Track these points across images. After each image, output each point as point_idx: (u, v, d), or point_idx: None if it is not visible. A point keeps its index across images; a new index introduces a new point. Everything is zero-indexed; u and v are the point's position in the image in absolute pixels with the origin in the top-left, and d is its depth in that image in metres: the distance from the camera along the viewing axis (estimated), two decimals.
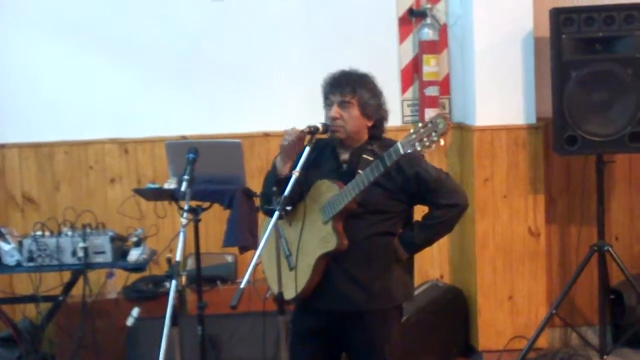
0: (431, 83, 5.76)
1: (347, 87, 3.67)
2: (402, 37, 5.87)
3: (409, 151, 3.36)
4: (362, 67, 5.70)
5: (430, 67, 5.76)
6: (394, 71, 5.87)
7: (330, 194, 3.62)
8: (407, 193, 3.67)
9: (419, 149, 3.34)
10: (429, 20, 5.77)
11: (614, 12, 5.09)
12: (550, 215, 5.71)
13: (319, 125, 3.62)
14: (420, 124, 3.37)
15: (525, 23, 5.44)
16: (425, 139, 3.32)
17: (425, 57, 5.75)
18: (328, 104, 3.71)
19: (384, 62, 5.82)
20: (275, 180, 3.64)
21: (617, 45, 5.13)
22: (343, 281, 3.68)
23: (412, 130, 3.38)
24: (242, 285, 3.25)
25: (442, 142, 3.34)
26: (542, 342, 5.47)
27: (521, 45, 5.44)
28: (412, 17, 5.84)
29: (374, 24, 5.83)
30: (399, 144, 3.39)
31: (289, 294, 3.63)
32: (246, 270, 3.29)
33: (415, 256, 5.85)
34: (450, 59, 5.88)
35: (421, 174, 3.66)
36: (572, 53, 5.13)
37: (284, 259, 3.58)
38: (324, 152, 3.76)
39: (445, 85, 5.88)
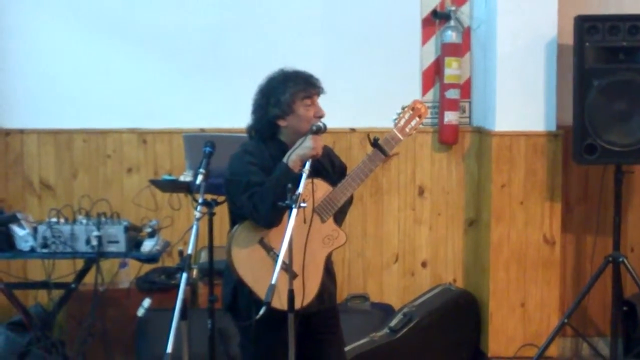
0: (452, 86, 5.74)
1: (321, 86, 3.72)
2: (425, 39, 5.85)
3: (402, 138, 3.68)
4: (384, 67, 5.82)
5: (452, 69, 5.74)
6: (416, 72, 5.86)
7: (323, 191, 3.62)
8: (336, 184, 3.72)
9: (411, 134, 3.72)
10: (452, 23, 5.75)
11: (639, 22, 5.06)
12: (566, 223, 5.67)
13: (321, 125, 3.61)
14: (401, 112, 3.69)
15: (549, 30, 5.41)
16: (412, 124, 3.70)
17: (447, 59, 5.73)
18: (311, 102, 3.67)
19: (405, 63, 5.83)
20: (286, 180, 3.50)
21: None
22: (327, 278, 3.72)
23: (396, 118, 3.70)
24: (272, 282, 3.23)
25: (421, 125, 3.76)
26: (552, 350, 5.45)
27: (544, 51, 5.41)
28: (436, 19, 5.82)
29: (397, 24, 5.81)
30: (396, 132, 3.68)
31: (297, 302, 3.48)
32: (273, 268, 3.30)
33: (429, 258, 5.91)
34: (472, 62, 5.86)
35: (343, 165, 3.85)
36: (595, 61, 5.10)
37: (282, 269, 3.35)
38: (265, 155, 3.69)
39: (466, 88, 5.86)
